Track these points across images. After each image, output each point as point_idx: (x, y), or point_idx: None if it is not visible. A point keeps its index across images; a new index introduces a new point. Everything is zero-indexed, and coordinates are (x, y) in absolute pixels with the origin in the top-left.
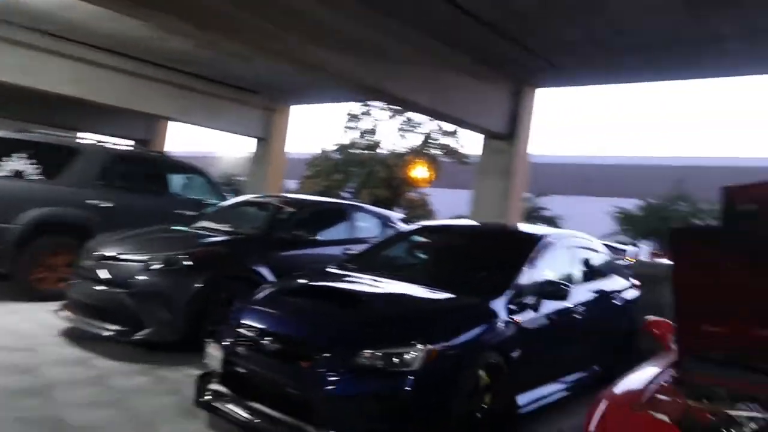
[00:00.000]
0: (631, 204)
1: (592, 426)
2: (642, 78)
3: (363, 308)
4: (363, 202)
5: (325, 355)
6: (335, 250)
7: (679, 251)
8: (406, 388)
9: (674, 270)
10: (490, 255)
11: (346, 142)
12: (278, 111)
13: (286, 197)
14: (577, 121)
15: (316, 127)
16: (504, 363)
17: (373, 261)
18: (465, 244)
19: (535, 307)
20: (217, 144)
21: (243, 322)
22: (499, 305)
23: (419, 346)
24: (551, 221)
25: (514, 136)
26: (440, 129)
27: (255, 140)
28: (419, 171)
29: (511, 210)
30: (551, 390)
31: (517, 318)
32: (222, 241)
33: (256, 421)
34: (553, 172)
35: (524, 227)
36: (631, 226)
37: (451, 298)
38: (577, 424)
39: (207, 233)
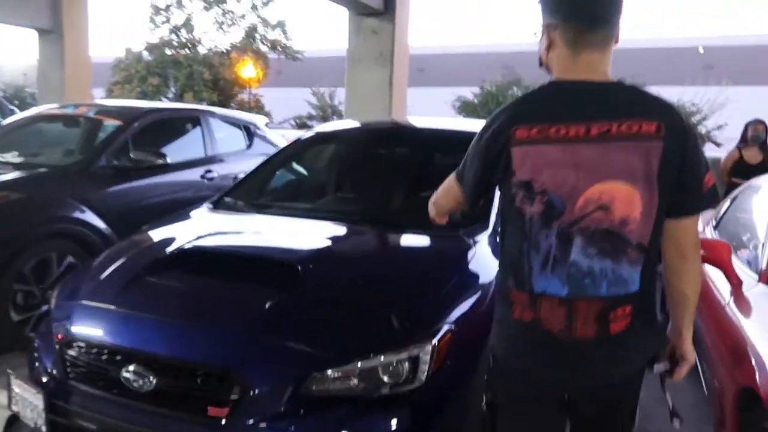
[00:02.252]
0: (468, 92)
1: None
2: None
3: (301, 286)
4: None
5: (256, 390)
6: (191, 176)
7: None
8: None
9: None
10: (440, 167)
11: (155, 40)
12: None
13: (107, 106)
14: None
15: (116, 24)
16: None
17: (264, 192)
18: (396, 155)
19: None
20: None
21: (77, 332)
22: (485, 240)
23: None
24: None
25: (393, 11)
26: (265, 22)
27: (38, 34)
28: (247, 70)
29: (395, 105)
30: None
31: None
32: (11, 180)
33: None
34: None
35: (463, 123)
36: (472, 113)
37: (424, 245)
38: None
39: None
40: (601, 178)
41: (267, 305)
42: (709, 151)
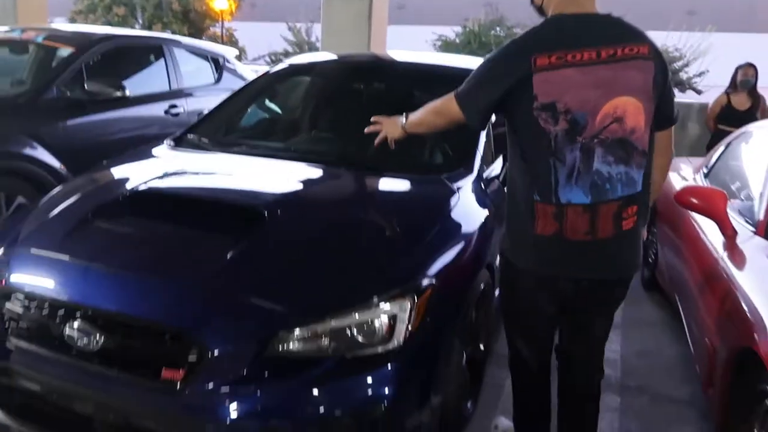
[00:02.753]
0: (450, 32)
1: None
2: None
3: (266, 234)
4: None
5: (215, 352)
6: (154, 110)
7: None
8: (396, 382)
9: None
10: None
11: None
12: None
13: (58, 30)
14: None
15: None
16: (490, 279)
17: (231, 129)
18: (376, 91)
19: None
20: None
21: (15, 281)
22: (469, 186)
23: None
24: None
25: None
26: None
27: None
28: (219, 1)
29: (375, 39)
30: None
31: (491, 203)
32: None
33: None
34: None
35: (446, 58)
36: (454, 53)
37: (404, 189)
38: None
39: None
40: (616, 95)
41: (228, 255)
42: (691, 98)
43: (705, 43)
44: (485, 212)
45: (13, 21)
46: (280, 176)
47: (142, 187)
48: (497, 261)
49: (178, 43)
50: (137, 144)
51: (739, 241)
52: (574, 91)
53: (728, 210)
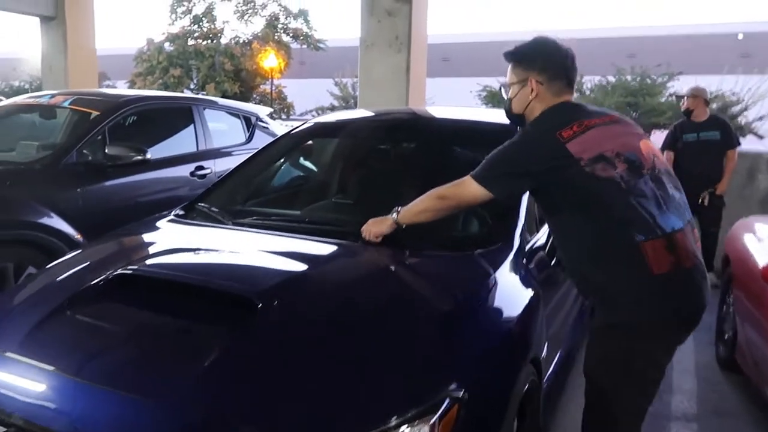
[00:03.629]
0: (495, 82)
1: None
2: None
3: (256, 331)
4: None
5: None
6: (178, 172)
7: None
8: None
9: None
10: (455, 168)
11: (176, 30)
12: None
13: (84, 94)
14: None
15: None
16: (536, 377)
17: (244, 197)
18: (407, 152)
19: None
20: None
21: None
22: (508, 264)
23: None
24: None
25: None
26: (286, 11)
27: (40, 21)
28: (269, 60)
29: (413, 94)
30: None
31: (536, 283)
32: None
33: None
34: None
35: (485, 113)
36: (498, 103)
37: (429, 271)
38: None
39: None
40: (640, 139)
41: (206, 363)
42: (750, 143)
43: (764, 86)
44: (529, 294)
45: (65, 84)
46: (286, 255)
47: (128, 270)
48: (544, 352)
49: (208, 103)
50: (158, 208)
51: None
52: (610, 141)
53: None
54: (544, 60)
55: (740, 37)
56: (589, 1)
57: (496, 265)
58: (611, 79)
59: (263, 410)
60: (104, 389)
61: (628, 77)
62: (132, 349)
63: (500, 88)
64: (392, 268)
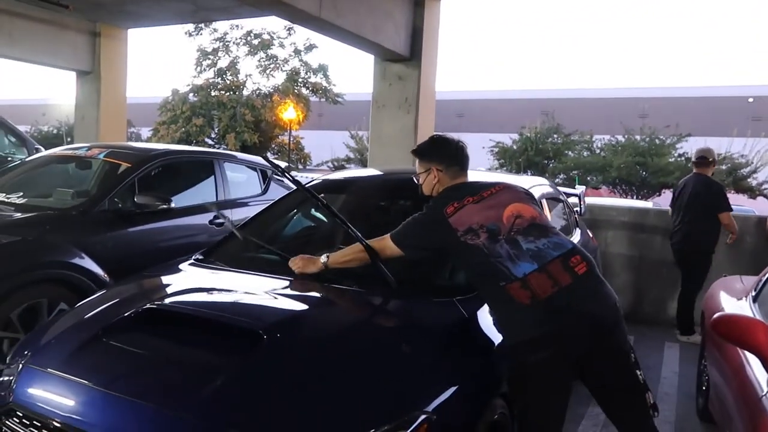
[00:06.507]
0: (506, 138)
1: None
2: None
3: (259, 358)
4: (232, 149)
5: None
6: (198, 220)
7: None
8: None
9: None
10: None
11: (200, 82)
12: (108, 36)
13: (117, 147)
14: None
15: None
16: (507, 410)
17: (256, 245)
18: (399, 208)
19: None
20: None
21: (21, 399)
22: (485, 312)
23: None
24: None
25: (418, 57)
26: (307, 66)
27: (77, 75)
28: (288, 112)
29: None
30: None
31: None
32: (11, 221)
33: None
34: None
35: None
36: (509, 159)
37: (410, 312)
38: None
39: None
40: (507, 205)
41: (218, 383)
42: (758, 204)
43: None
44: (499, 338)
45: (96, 133)
46: (290, 296)
47: (154, 305)
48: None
49: (228, 157)
50: (178, 252)
51: None
52: (477, 215)
53: None
54: (440, 153)
55: (750, 100)
56: (602, 61)
57: (473, 310)
58: (621, 138)
59: (262, 423)
60: (130, 399)
61: (638, 137)
62: (156, 369)
63: (412, 178)
64: (381, 310)
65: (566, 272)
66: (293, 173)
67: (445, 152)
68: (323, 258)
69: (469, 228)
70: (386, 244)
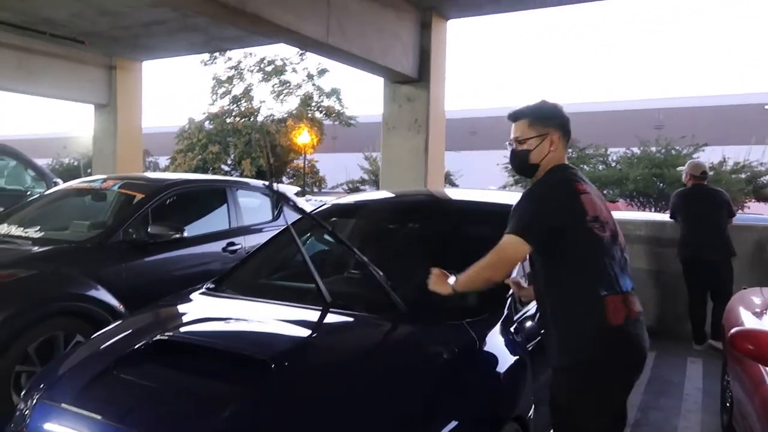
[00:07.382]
0: None
1: None
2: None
3: (269, 387)
4: (245, 176)
5: None
6: (211, 248)
7: None
8: None
9: None
10: (456, 246)
11: (215, 110)
12: (124, 68)
13: (131, 179)
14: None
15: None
16: (521, 430)
17: (266, 273)
18: (413, 233)
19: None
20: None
21: None
22: (495, 333)
23: None
24: (447, 178)
25: (426, 78)
26: (320, 90)
27: (94, 108)
28: (302, 136)
29: (431, 172)
30: None
31: (522, 350)
32: (23, 256)
33: None
34: None
35: (493, 196)
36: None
37: (419, 339)
38: None
39: (4, 244)
40: (609, 210)
41: (229, 411)
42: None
43: None
44: (512, 359)
45: (113, 164)
46: (299, 324)
47: (165, 336)
48: (531, 412)
49: (240, 185)
50: (193, 280)
51: None
52: (599, 207)
53: None
54: (562, 119)
55: (767, 107)
56: (615, 74)
57: (483, 333)
58: (636, 150)
59: None
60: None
61: (653, 149)
62: (166, 401)
63: (508, 143)
64: (390, 335)
65: (638, 302)
66: (307, 197)
67: (565, 119)
68: (452, 280)
69: (596, 216)
70: (504, 246)
